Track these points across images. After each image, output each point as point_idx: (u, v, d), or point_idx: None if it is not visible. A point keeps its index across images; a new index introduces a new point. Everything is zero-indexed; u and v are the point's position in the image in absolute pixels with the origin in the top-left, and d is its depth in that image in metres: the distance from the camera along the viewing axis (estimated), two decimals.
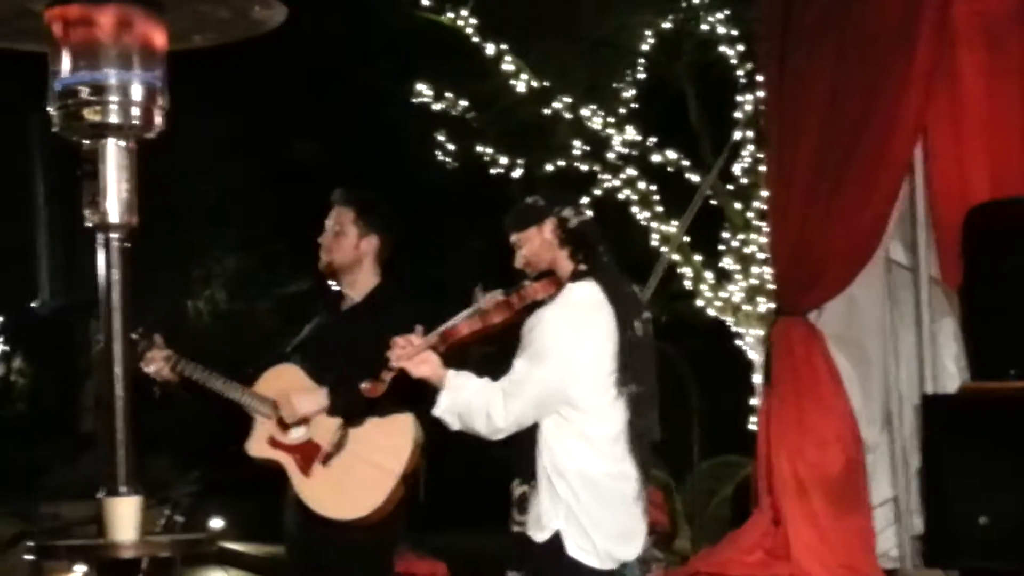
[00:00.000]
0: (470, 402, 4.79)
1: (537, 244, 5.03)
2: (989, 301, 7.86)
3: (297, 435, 5.53)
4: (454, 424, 4.84)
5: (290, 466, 5.49)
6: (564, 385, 4.80)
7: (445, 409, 4.82)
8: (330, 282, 5.87)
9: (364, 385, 4.87)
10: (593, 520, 4.81)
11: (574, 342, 4.81)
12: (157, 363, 5.49)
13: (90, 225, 3.35)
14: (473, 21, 12.71)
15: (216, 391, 5.54)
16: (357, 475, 5.42)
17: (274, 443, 5.50)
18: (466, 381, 4.82)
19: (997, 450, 7.40)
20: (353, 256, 5.68)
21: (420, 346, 4.82)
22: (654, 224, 12.79)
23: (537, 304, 4.92)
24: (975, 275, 7.95)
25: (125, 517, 3.35)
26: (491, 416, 4.77)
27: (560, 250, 4.99)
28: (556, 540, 4.83)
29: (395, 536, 5.74)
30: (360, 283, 5.71)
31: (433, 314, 5.04)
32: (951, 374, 8.21)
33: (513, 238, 5.09)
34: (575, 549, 4.81)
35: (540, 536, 4.87)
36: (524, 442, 4.88)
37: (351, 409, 5.39)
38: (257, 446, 5.54)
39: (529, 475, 4.89)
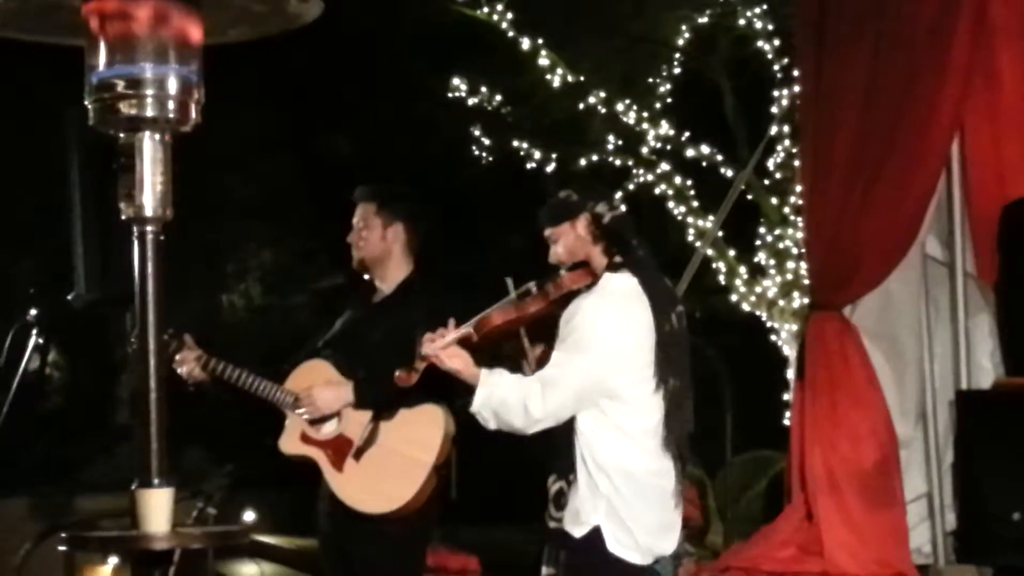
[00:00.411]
0: (505, 397, 4.77)
1: (571, 239, 5.01)
2: (1023, 297, 7.85)
3: (328, 430, 5.55)
4: (489, 421, 4.83)
5: (323, 462, 5.51)
6: (604, 375, 4.79)
7: (480, 405, 4.80)
8: (365, 276, 5.89)
9: (397, 373, 4.88)
10: (634, 515, 4.81)
11: (615, 332, 4.81)
12: (188, 364, 5.54)
13: (125, 218, 3.38)
14: (509, 16, 12.73)
15: (248, 389, 5.57)
16: (389, 468, 5.43)
17: (306, 439, 5.53)
18: (500, 378, 4.82)
19: None
20: (382, 248, 5.70)
21: (453, 337, 4.82)
22: (689, 219, 12.78)
23: (573, 294, 4.93)
24: (1011, 271, 7.93)
25: (158, 509, 3.35)
26: (528, 409, 4.74)
27: (594, 246, 4.98)
28: (595, 535, 4.83)
29: (428, 529, 5.75)
30: (391, 275, 5.73)
31: (465, 307, 5.05)
32: (986, 370, 8.19)
33: (547, 233, 5.07)
34: (615, 544, 4.81)
35: (578, 531, 4.86)
36: (560, 437, 4.87)
37: (379, 402, 5.42)
38: (289, 443, 5.57)
39: (567, 470, 4.88)
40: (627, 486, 4.81)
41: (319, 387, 5.51)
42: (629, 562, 4.82)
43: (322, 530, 5.74)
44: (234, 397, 5.66)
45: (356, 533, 5.53)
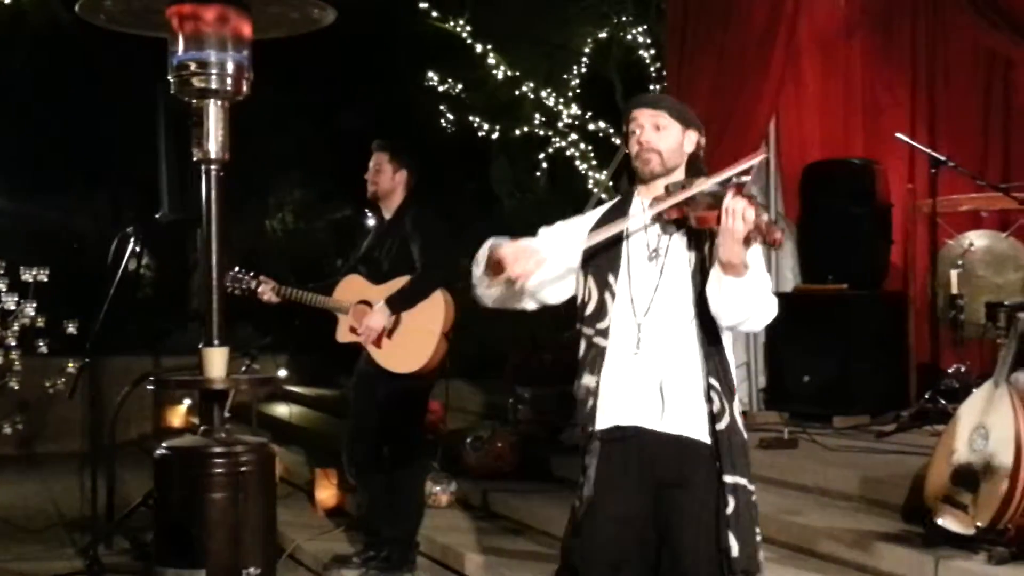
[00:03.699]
0: (757, 284, 3.29)
1: (676, 142, 3.42)
2: (816, 230, 7.91)
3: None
4: (739, 313, 3.34)
5: (367, 344, 5.52)
6: None
7: (738, 289, 3.24)
8: (367, 211, 5.87)
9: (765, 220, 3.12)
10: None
11: None
12: (268, 294, 5.51)
13: (196, 160, 3.37)
14: (468, 28, 12.67)
15: (309, 303, 5.57)
16: (411, 341, 5.45)
17: (353, 331, 5.54)
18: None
19: (817, 331, 7.49)
20: (390, 185, 5.70)
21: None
22: (590, 173, 12.79)
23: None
24: (807, 211, 7.99)
25: (218, 362, 3.38)
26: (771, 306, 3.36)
27: (680, 164, 3.46)
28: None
29: (432, 381, 5.73)
30: (393, 204, 5.74)
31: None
32: (788, 279, 8.26)
33: (651, 114, 3.43)
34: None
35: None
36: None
37: (404, 306, 5.43)
38: (342, 334, 5.58)
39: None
40: None
41: (368, 317, 5.45)
42: None
43: (358, 382, 5.68)
44: (299, 308, 5.66)
45: (384, 381, 5.53)
